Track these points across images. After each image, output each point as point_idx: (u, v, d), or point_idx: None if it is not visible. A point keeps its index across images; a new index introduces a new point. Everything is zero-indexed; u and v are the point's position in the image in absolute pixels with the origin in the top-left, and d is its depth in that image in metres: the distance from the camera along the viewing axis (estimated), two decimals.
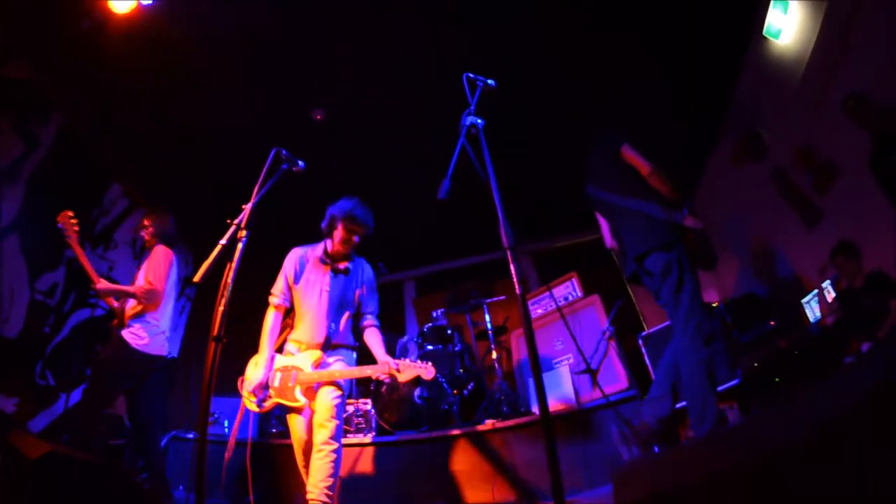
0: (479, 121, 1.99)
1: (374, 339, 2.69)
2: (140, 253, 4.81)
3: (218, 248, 1.99)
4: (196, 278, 1.91)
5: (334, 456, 2.31)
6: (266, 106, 4.41)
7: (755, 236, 5.11)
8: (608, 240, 2.90)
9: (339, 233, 2.68)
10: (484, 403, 3.69)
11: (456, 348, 4.10)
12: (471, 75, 2.18)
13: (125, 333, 2.97)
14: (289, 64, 4.08)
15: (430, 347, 4.08)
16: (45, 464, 1.66)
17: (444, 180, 1.77)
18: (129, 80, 4.01)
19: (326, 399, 2.42)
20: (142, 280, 3.10)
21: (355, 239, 2.70)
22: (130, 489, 2.04)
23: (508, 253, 1.60)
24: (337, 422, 2.39)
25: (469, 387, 3.97)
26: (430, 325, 4.35)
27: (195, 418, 4.82)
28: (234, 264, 1.97)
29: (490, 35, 3.99)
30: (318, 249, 2.78)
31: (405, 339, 4.49)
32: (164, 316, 3.16)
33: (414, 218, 5.79)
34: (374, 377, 2.63)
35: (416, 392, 3.63)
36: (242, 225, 2.05)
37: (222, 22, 3.70)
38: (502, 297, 4.47)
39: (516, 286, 1.52)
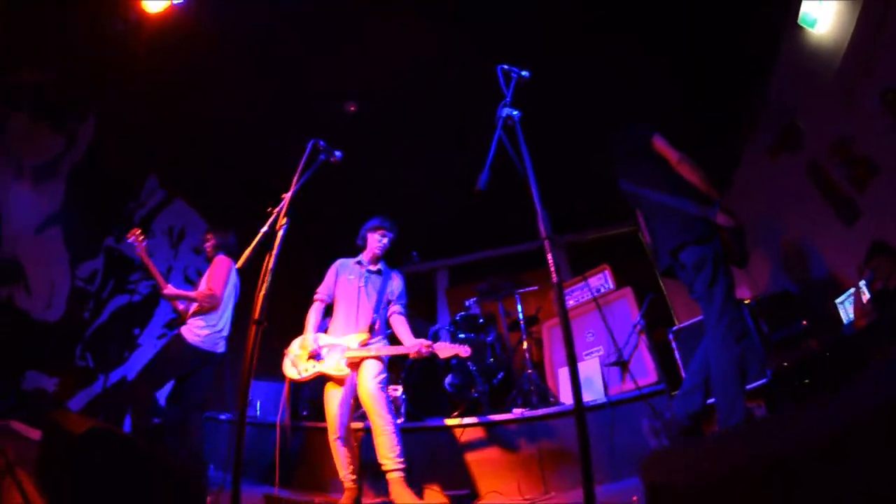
0: (516, 112, 2.01)
1: (400, 325, 3.03)
2: (177, 242, 5.00)
3: (259, 235, 2.05)
4: (238, 264, 1.98)
5: (393, 428, 2.60)
6: (299, 99, 4.48)
7: (789, 234, 4.99)
8: (647, 234, 2.88)
9: (371, 239, 3.17)
10: (513, 393, 3.71)
11: (488, 338, 4.14)
12: (505, 66, 2.19)
13: (183, 329, 3.28)
14: (321, 57, 4.13)
15: (462, 336, 4.12)
16: (89, 439, 1.71)
17: (482, 171, 1.79)
18: (162, 77, 4.12)
19: (370, 376, 2.71)
20: (203, 286, 3.41)
21: (385, 241, 3.16)
22: (170, 467, 2.12)
23: (546, 243, 1.61)
24: (385, 396, 2.70)
25: (499, 376, 3.99)
26: (462, 313, 4.39)
27: (228, 400, 4.97)
28: (275, 251, 2.03)
29: (518, 26, 3.97)
30: (357, 258, 3.24)
31: (437, 326, 4.53)
32: (223, 317, 3.44)
33: (447, 208, 5.86)
34: (412, 355, 2.79)
35: (448, 380, 3.68)
36: (283, 213, 2.11)
37: (253, 19, 3.78)
38: (535, 288, 4.48)
39: (553, 276, 1.54)
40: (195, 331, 3.26)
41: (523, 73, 2.19)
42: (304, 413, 4.33)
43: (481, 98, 4.39)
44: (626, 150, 2.85)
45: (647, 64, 4.38)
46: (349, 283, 3.09)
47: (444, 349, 2.75)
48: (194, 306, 3.36)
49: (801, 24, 3.88)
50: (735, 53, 4.36)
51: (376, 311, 2.99)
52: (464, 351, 2.74)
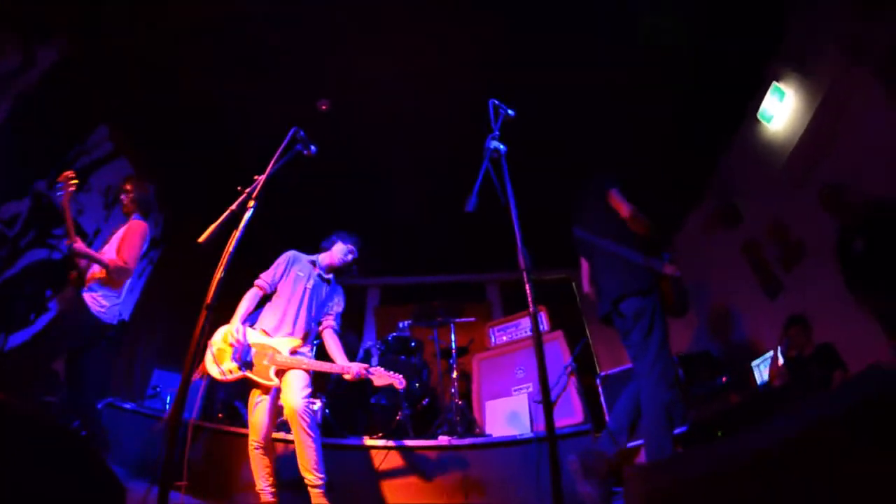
0: (502, 146, 2.07)
1: (333, 342, 2.89)
2: (112, 204, 4.58)
3: (226, 212, 1.94)
4: (201, 239, 1.86)
5: (316, 444, 2.48)
6: (271, 84, 4.31)
7: (716, 299, 5.42)
8: (586, 284, 3.00)
9: (338, 249, 3.07)
10: (438, 420, 3.70)
11: (417, 362, 4.12)
12: (496, 102, 2.27)
13: (86, 296, 2.93)
14: (302, 46, 4.01)
15: (392, 356, 4.08)
16: None
17: (470, 195, 1.81)
18: (139, 27, 3.83)
19: (297, 388, 2.53)
20: (113, 250, 3.07)
21: (349, 258, 3.09)
22: (72, 444, 1.92)
23: (524, 275, 1.64)
24: (310, 411, 2.53)
25: (424, 402, 3.97)
26: (395, 334, 4.35)
27: (135, 388, 4.60)
28: (237, 233, 1.92)
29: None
30: (312, 257, 3.11)
31: (368, 344, 4.47)
32: (126, 287, 3.16)
33: (390, 227, 5.86)
34: (346, 376, 2.65)
35: (373, 399, 3.61)
36: (253, 195, 2.02)
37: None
38: (472, 319, 4.55)
39: (531, 305, 1.57)
40: (100, 300, 2.95)
41: (510, 111, 2.27)
42: (220, 416, 4.08)
43: (438, 120, 4.58)
44: (587, 199, 2.98)
45: (607, 118, 4.64)
46: (297, 280, 2.92)
47: (381, 376, 2.66)
48: (97, 270, 3.02)
49: (759, 118, 4.31)
50: (695, 129, 4.72)
51: (315, 319, 2.89)
52: (399, 382, 2.66)
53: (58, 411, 3.39)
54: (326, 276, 3.04)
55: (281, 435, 3.06)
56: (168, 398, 4.26)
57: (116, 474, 1.69)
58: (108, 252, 3.08)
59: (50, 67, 3.79)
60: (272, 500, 2.50)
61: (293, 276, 2.93)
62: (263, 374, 2.55)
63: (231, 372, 2.54)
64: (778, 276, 4.42)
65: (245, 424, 2.78)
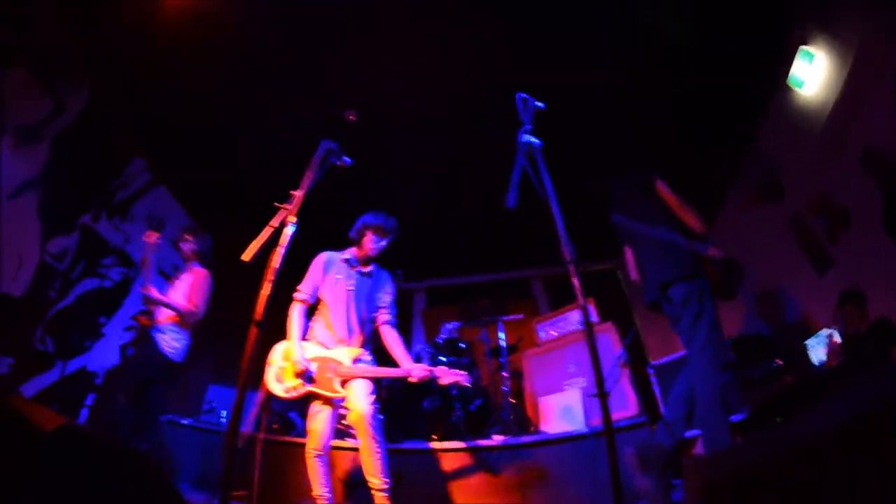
0: (536, 140, 2.05)
1: (394, 341, 2.80)
2: (156, 230, 4.76)
3: (268, 229, 1.98)
4: (246, 257, 1.90)
5: (382, 449, 2.49)
6: (292, 100, 4.38)
7: (764, 278, 5.21)
8: (633, 271, 2.95)
9: (368, 238, 2.87)
10: (492, 419, 3.69)
11: (467, 362, 4.12)
12: (523, 95, 2.23)
13: (158, 338, 3.26)
14: (326, 61, 4.08)
15: (442, 359, 4.08)
16: (60, 439, 1.60)
17: (510, 190, 1.80)
18: (169, 61, 3.98)
19: (363, 394, 2.52)
20: (181, 296, 3.42)
21: (383, 243, 2.90)
22: (146, 470, 1.98)
23: (570, 267, 1.62)
24: (378, 417, 2.55)
25: (476, 402, 3.97)
26: (444, 336, 4.36)
27: (191, 404, 4.76)
28: (281, 250, 1.95)
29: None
30: (346, 254, 2.95)
31: (418, 348, 4.48)
32: (191, 330, 3.46)
33: (430, 230, 5.82)
34: (411, 380, 2.60)
35: (426, 402, 3.62)
36: (293, 211, 2.05)
37: (269, 16, 3.72)
38: (520, 316, 4.51)
39: (579, 297, 1.55)
40: (172, 342, 3.28)
41: (538, 104, 2.23)
42: (275, 427, 4.17)
43: (476, 119, 4.56)
44: (627, 189, 2.93)
45: (641, 104, 4.53)
46: (336, 283, 2.80)
47: (446, 375, 2.59)
48: (169, 314, 3.33)
49: (790, 84, 4.12)
50: (729, 105, 4.56)
51: (367, 319, 2.80)
52: (464, 379, 2.59)
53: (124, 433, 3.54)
54: (366, 271, 2.90)
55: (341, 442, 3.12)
56: (224, 413, 4.40)
57: (178, 489, 1.75)
58: (177, 297, 3.41)
59: (81, 110, 4.01)
60: None
61: (332, 280, 2.82)
62: (328, 386, 2.53)
63: (295, 389, 2.53)
64: (826, 249, 4.22)
65: (301, 434, 2.84)
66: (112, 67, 4.05)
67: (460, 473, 3.07)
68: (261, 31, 3.84)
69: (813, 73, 3.91)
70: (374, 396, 2.57)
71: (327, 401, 2.58)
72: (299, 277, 2.91)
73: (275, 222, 2.00)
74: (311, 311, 2.85)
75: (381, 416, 3.57)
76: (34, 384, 3.59)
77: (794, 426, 1.16)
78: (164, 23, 3.67)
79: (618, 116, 4.63)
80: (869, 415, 0.84)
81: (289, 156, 2.40)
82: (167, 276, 4.81)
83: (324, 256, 2.92)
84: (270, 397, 3.61)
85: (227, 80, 4.22)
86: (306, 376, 2.54)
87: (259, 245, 1.90)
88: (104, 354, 4.17)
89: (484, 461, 3.07)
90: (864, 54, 3.42)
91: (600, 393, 1.38)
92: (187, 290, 3.42)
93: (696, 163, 4.77)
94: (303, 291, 2.78)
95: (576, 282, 1.58)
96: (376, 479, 2.45)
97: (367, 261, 2.91)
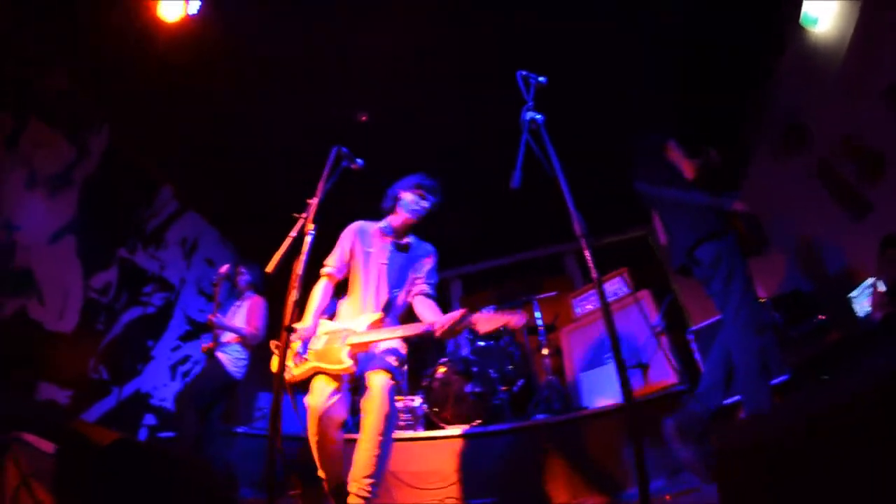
0: (539, 116, 2.04)
1: (426, 308, 2.39)
2: (190, 253, 5.07)
3: (288, 240, 2.05)
4: (269, 269, 1.98)
5: (381, 450, 2.04)
6: (310, 109, 4.47)
7: (799, 232, 5.01)
8: (662, 236, 2.90)
9: (405, 200, 2.53)
10: (534, 399, 3.70)
11: (506, 345, 4.12)
12: (524, 73, 2.21)
13: (223, 358, 3.67)
14: (333, 66, 4.14)
15: (481, 343, 4.11)
16: (116, 451, 1.69)
17: (514, 171, 1.81)
18: (177, 88, 4.12)
19: (376, 383, 2.14)
20: (242, 322, 3.87)
21: (425, 203, 2.55)
22: (204, 477, 2.09)
23: (582, 240, 1.62)
24: (387, 409, 2.09)
25: (519, 383, 3.99)
26: None
27: (241, 412, 4.94)
28: (303, 257, 2.03)
29: (525, 32, 4.01)
30: (381, 223, 2.62)
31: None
32: (250, 351, 3.88)
33: (459, 217, 5.80)
34: (436, 334, 2.13)
35: (468, 388, 3.66)
36: (310, 219, 2.11)
37: (271, 30, 3.80)
38: (553, 293, 4.50)
39: (592, 271, 1.55)
40: (235, 362, 3.71)
41: (541, 79, 2.21)
42: None
43: (497, 104, 4.50)
44: (645, 154, 2.89)
45: (654, 66, 4.41)
46: (368, 257, 2.48)
47: (488, 320, 2.09)
48: (232, 337, 3.77)
49: (803, 24, 3.94)
50: (740, 53, 4.39)
51: (397, 286, 2.43)
52: (517, 319, 2.09)
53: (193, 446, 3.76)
54: (403, 243, 2.55)
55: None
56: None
57: (232, 490, 1.86)
58: (239, 322, 3.86)
59: (104, 151, 4.23)
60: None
61: (363, 253, 2.50)
62: (333, 357, 2.17)
63: (298, 368, 2.24)
64: (861, 194, 4.02)
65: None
66: (127, 105, 4.22)
67: (504, 455, 3.10)
68: (263, 47, 3.93)
69: (825, 9, 3.73)
70: (389, 384, 2.16)
71: (335, 377, 2.21)
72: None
73: (294, 232, 2.08)
74: (341, 289, 2.56)
75: (416, 407, 3.64)
76: (95, 410, 3.82)
77: (824, 390, 1.13)
78: (168, 55, 3.80)
79: (631, 71, 4.51)
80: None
81: (310, 163, 2.39)
82: (207, 296, 5.06)
83: (355, 226, 2.61)
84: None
85: (238, 98, 4.33)
86: (301, 351, 2.24)
87: (280, 255, 1.98)
88: (155, 375, 4.41)
89: (526, 441, 3.10)
90: None
91: (620, 369, 1.38)
92: (247, 315, 3.88)
93: (715, 118, 4.60)
94: (330, 265, 2.51)
95: (588, 255, 1.58)
96: (355, 483, 2.01)
97: (406, 230, 2.58)
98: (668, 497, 2.19)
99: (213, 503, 1.99)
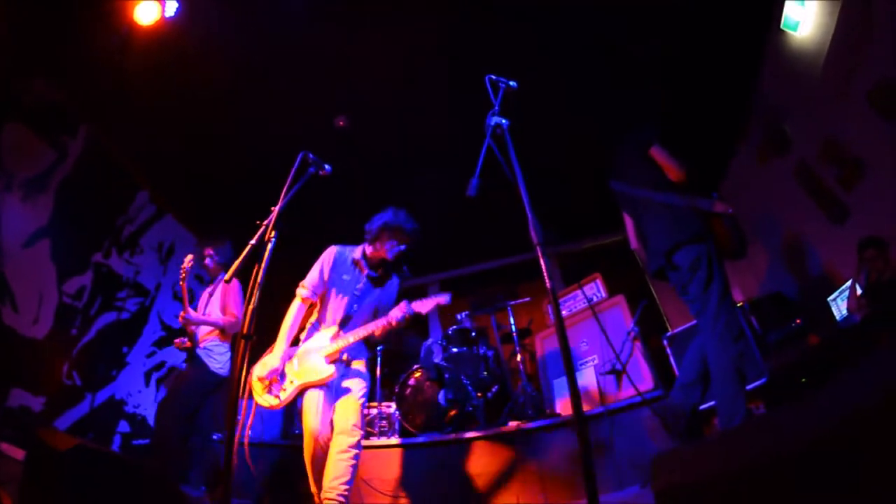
0: (504, 121, 2.00)
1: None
2: (166, 258, 4.94)
3: (247, 248, 2.02)
4: (226, 278, 1.94)
5: (355, 461, 2.29)
6: (287, 112, 4.45)
7: (779, 235, 5.02)
8: (633, 240, 2.86)
9: (385, 240, 2.63)
10: (508, 405, 3.68)
11: (480, 351, 4.10)
12: (493, 77, 2.18)
13: (204, 357, 3.33)
14: (309, 70, 4.11)
15: (454, 350, 4.08)
16: (76, 456, 1.67)
17: (472, 178, 1.78)
18: (154, 91, 4.08)
19: (353, 396, 2.41)
20: (216, 310, 3.49)
21: (402, 248, 2.65)
22: (160, 487, 2.05)
23: (538, 249, 1.59)
24: (360, 425, 2.39)
25: (493, 389, 3.97)
26: (454, 327, 4.35)
27: (220, 419, 4.87)
28: (262, 265, 1.99)
29: (505, 35, 3.99)
30: (357, 252, 2.71)
31: (430, 341, 4.50)
32: (231, 341, 3.52)
33: (436, 222, 5.78)
34: (393, 325, 2.42)
35: (441, 394, 3.63)
36: (271, 227, 2.08)
37: (246, 33, 3.77)
38: (527, 299, 4.49)
39: (547, 281, 1.51)
40: (218, 358, 3.36)
41: (511, 83, 2.18)
42: (297, 432, 4.25)
43: (471, 110, 4.49)
44: (626, 153, 2.84)
45: (637, 67, 4.40)
46: (343, 284, 2.60)
47: (423, 303, 2.44)
48: (209, 331, 3.41)
49: (784, 28, 3.94)
50: (722, 57, 4.39)
51: (359, 311, 2.62)
52: (443, 299, 2.47)
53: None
54: (376, 276, 2.66)
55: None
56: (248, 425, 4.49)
57: (185, 495, 1.83)
58: (214, 313, 3.49)
59: (82, 154, 4.16)
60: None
61: (338, 280, 2.61)
62: (313, 372, 2.40)
63: (285, 391, 2.43)
64: (840, 198, 4.03)
65: None
66: (104, 108, 4.18)
67: (475, 463, 3.08)
68: (242, 50, 3.90)
69: (806, 13, 3.73)
70: (363, 399, 2.46)
71: (321, 385, 2.41)
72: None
73: (254, 240, 2.04)
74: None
75: (383, 411, 3.62)
76: (67, 417, 3.76)
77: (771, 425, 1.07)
78: (145, 58, 3.77)
79: (615, 73, 4.48)
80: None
81: (288, 167, 2.37)
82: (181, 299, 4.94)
83: (334, 251, 2.71)
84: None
85: (216, 101, 4.29)
86: (277, 379, 2.43)
87: (238, 264, 1.95)
88: (130, 381, 4.34)
89: (499, 448, 3.08)
90: None
91: (571, 381, 1.35)
92: (221, 302, 3.48)
93: (698, 122, 4.59)
94: (307, 287, 2.62)
95: (543, 264, 1.55)
96: (331, 490, 2.20)
97: (380, 264, 2.67)
98: None
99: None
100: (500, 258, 7.08)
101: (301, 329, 2.65)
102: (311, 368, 2.42)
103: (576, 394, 1.34)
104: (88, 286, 4.10)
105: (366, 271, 2.65)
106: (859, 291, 3.57)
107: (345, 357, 2.52)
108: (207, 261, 3.63)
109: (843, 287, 3.89)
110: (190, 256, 3.45)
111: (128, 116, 4.26)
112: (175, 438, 3.13)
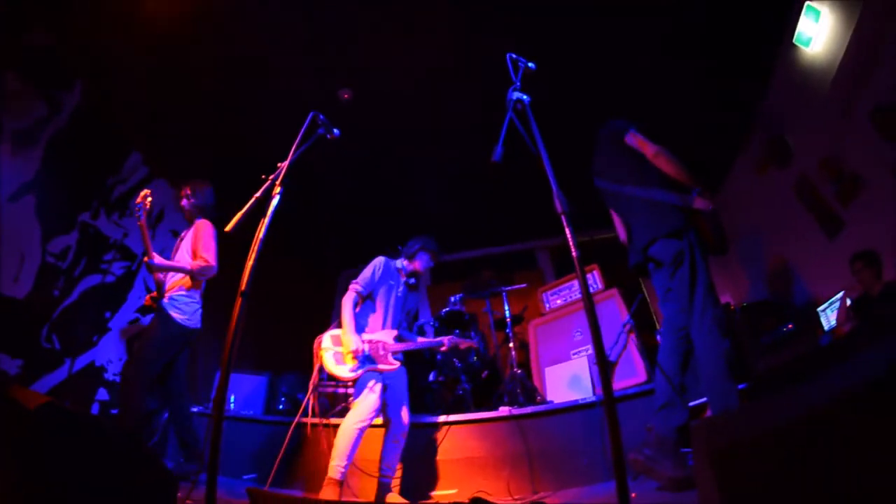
0: (525, 96, 1.97)
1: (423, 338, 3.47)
2: (155, 223, 4.78)
3: (252, 200, 1.95)
4: (228, 228, 1.87)
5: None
6: (290, 80, 4.36)
7: (774, 244, 5.09)
8: (622, 234, 2.84)
9: (421, 260, 3.34)
10: (499, 391, 3.65)
11: (472, 335, 4.07)
12: (513, 55, 2.15)
13: (169, 308, 3.03)
14: (317, 37, 4.02)
15: (445, 332, 4.05)
16: (43, 414, 1.61)
17: (497, 145, 1.74)
18: (155, 52, 3.97)
19: (404, 384, 3.00)
20: (187, 254, 3.17)
21: (432, 264, 3.39)
22: (131, 446, 1.97)
23: (563, 218, 1.56)
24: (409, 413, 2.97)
25: (483, 374, 3.93)
26: (447, 309, 4.31)
27: (200, 392, 4.75)
28: (266, 219, 1.92)
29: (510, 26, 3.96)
30: (398, 262, 3.37)
31: (421, 321, 4.45)
32: (202, 290, 3.25)
33: (433, 207, 5.77)
34: (442, 348, 3.16)
35: (431, 377, 3.61)
36: (278, 182, 2.01)
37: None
38: (524, 285, 4.45)
39: (573, 250, 1.49)
40: (184, 308, 3.07)
41: (530, 64, 2.16)
42: (280, 408, 4.18)
43: (473, 98, 4.49)
44: (605, 147, 2.82)
45: (643, 67, 4.41)
46: (389, 288, 3.20)
47: (464, 343, 3.18)
48: (175, 278, 3.14)
49: (797, 43, 3.99)
50: (732, 66, 4.42)
51: (403, 321, 3.26)
52: (475, 342, 3.19)
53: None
54: (412, 283, 3.34)
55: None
56: (231, 398, 4.37)
57: (168, 469, 1.75)
58: (182, 258, 3.19)
59: (75, 109, 3.99)
60: (342, 479, 2.63)
61: (386, 284, 3.20)
62: (385, 360, 2.94)
63: (357, 368, 2.88)
64: (836, 212, 4.10)
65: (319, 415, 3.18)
66: (102, 64, 4.04)
67: (466, 447, 3.05)
68: (248, 14, 3.80)
69: (819, 31, 3.78)
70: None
71: (381, 372, 2.91)
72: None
73: (259, 193, 1.98)
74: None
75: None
76: (45, 382, 3.60)
77: (798, 393, 1.09)
78: (150, 15, 3.65)
79: (627, 78, 4.50)
80: (873, 383, 0.81)
81: (288, 135, 2.32)
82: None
83: (383, 260, 3.30)
84: (271, 380, 3.68)
85: (218, 66, 4.19)
86: (363, 356, 2.87)
87: (241, 215, 1.88)
88: (111, 348, 4.17)
89: (490, 433, 3.05)
90: (872, 8, 3.29)
91: (599, 360, 1.32)
92: (191, 246, 3.17)
93: (703, 129, 4.62)
94: (360, 285, 3.14)
95: (568, 233, 1.52)
96: (393, 469, 2.81)
97: (413, 274, 3.35)
98: (633, 495, 2.13)
99: (146, 479, 1.88)
100: (493, 246, 7.12)
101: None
102: (382, 358, 2.95)
103: (605, 375, 1.31)
104: (74, 246, 3.94)
105: (404, 278, 3.30)
106: (849, 303, 3.63)
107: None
108: (184, 202, 3.32)
109: (834, 298, 3.96)
110: (146, 191, 3.02)
111: (127, 74, 4.13)
112: (141, 408, 2.89)
